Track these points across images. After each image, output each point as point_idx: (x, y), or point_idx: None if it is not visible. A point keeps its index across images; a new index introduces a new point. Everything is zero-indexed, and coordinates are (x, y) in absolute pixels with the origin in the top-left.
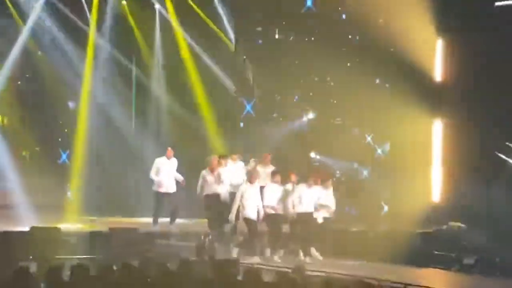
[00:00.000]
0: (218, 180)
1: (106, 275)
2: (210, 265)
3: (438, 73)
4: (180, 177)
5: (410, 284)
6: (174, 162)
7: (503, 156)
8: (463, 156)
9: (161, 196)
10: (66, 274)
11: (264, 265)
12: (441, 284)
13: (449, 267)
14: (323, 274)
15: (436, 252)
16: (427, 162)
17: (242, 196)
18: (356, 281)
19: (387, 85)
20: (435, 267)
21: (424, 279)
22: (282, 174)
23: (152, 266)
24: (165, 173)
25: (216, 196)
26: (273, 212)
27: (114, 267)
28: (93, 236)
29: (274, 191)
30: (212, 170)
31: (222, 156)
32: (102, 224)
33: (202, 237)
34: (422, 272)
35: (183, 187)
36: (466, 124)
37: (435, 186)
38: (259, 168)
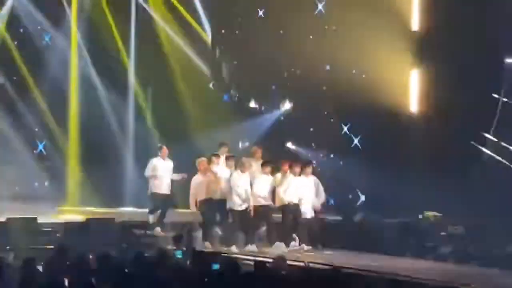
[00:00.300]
0: (215, 180)
1: (83, 265)
2: (188, 255)
3: (415, 23)
4: (177, 177)
5: (386, 273)
6: (169, 163)
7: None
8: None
9: (157, 197)
10: (43, 263)
11: (244, 255)
12: (416, 272)
13: (425, 256)
14: (302, 264)
15: (411, 242)
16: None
17: (234, 185)
18: (334, 270)
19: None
20: (411, 256)
21: (400, 268)
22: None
23: (130, 255)
24: (161, 174)
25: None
26: (264, 203)
27: (91, 256)
28: (70, 226)
29: (264, 182)
30: (204, 172)
31: (214, 155)
32: (81, 214)
33: (181, 227)
34: (398, 261)
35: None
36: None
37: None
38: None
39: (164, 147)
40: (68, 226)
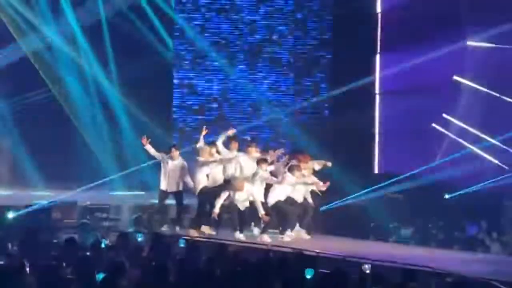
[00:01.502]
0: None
1: (47, 249)
2: (148, 237)
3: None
4: (189, 182)
5: (349, 256)
6: (178, 163)
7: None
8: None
9: (163, 194)
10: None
11: (208, 238)
12: (379, 255)
13: (387, 239)
14: (264, 247)
15: (373, 224)
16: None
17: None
18: (296, 253)
19: None
20: (374, 239)
21: (363, 251)
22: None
23: (91, 238)
24: (167, 172)
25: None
26: None
27: (55, 241)
28: (33, 210)
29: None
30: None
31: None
32: (44, 197)
33: (143, 210)
34: (360, 244)
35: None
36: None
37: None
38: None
39: (173, 148)
40: (31, 210)
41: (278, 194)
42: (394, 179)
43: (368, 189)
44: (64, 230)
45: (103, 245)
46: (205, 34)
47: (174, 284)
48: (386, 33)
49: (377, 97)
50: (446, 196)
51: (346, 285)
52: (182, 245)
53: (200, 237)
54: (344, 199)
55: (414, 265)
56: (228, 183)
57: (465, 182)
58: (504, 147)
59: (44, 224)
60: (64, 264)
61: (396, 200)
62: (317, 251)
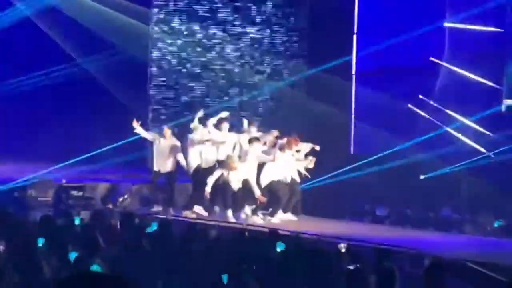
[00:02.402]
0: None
1: (21, 226)
2: (118, 215)
3: None
4: (181, 161)
5: (323, 235)
6: (171, 142)
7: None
8: None
9: (156, 175)
10: None
11: (194, 219)
12: (354, 235)
13: (362, 219)
14: (237, 226)
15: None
16: None
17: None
18: (269, 232)
19: None
20: (349, 219)
21: (338, 230)
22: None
23: (66, 217)
24: (159, 152)
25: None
26: None
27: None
28: (7, 188)
29: None
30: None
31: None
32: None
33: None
34: (336, 224)
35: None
36: None
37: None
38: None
39: (165, 127)
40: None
41: (271, 174)
42: (370, 160)
43: (344, 169)
44: (39, 208)
45: (77, 223)
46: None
47: (149, 262)
48: (363, 13)
49: (353, 78)
50: (422, 177)
51: (324, 263)
52: (154, 227)
53: (191, 218)
54: (320, 179)
55: (389, 245)
56: (221, 163)
57: (440, 163)
58: (479, 128)
59: (18, 202)
60: (38, 242)
61: (372, 180)
62: (292, 230)
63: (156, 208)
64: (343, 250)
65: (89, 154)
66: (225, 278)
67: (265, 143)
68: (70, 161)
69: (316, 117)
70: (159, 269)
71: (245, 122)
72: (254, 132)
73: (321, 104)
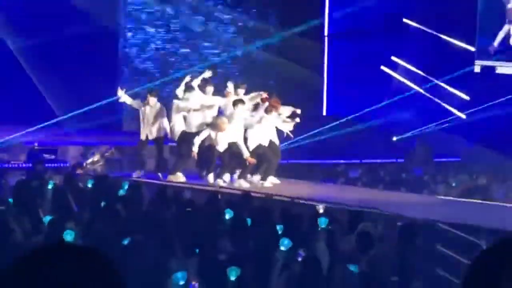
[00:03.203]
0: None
1: None
2: (92, 178)
3: None
4: (166, 126)
5: (297, 198)
6: (156, 108)
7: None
8: None
9: (142, 144)
10: None
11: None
12: (325, 196)
13: (335, 180)
14: (212, 189)
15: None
16: None
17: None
18: (243, 194)
19: None
20: (322, 181)
21: (310, 192)
22: None
23: (39, 180)
24: (145, 119)
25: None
26: None
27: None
28: None
29: None
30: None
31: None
32: None
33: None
34: (310, 186)
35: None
36: None
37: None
38: None
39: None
40: None
41: (259, 137)
42: (342, 121)
43: (317, 131)
44: (11, 172)
45: (49, 187)
46: None
47: (123, 225)
48: None
49: (326, 40)
50: (394, 138)
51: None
52: (125, 188)
53: (172, 182)
54: (293, 141)
55: (362, 207)
56: (209, 124)
57: (412, 124)
58: (452, 89)
59: None
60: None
61: (345, 142)
62: (265, 193)
63: (136, 174)
64: (321, 211)
65: (61, 118)
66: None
67: (255, 106)
68: (42, 125)
69: (289, 79)
70: (132, 232)
71: (230, 84)
72: (242, 94)
73: (294, 66)
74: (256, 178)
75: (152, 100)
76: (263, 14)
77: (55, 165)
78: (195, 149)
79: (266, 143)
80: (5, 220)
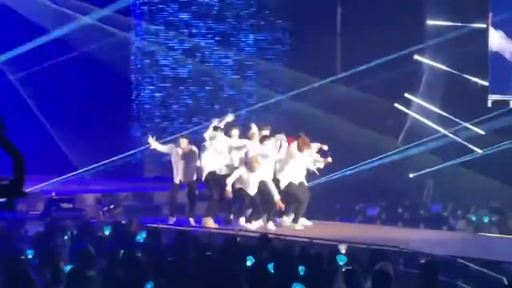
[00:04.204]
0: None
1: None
2: (111, 226)
3: None
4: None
5: (317, 238)
6: (189, 151)
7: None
8: None
9: (176, 187)
10: None
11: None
12: (344, 235)
13: (353, 219)
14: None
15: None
16: None
17: None
18: (262, 238)
19: None
20: (340, 220)
21: (328, 232)
22: None
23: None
24: (178, 163)
25: None
26: None
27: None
28: None
29: None
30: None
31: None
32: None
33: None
34: (326, 226)
35: None
36: None
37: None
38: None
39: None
40: None
41: (291, 176)
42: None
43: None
44: (29, 221)
45: (68, 236)
46: None
47: (143, 273)
48: (345, 15)
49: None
50: (411, 175)
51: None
52: (143, 236)
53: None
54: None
55: (382, 245)
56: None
57: (429, 161)
58: (468, 125)
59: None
60: (30, 257)
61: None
62: (285, 234)
63: (171, 221)
64: (343, 251)
65: (81, 170)
66: None
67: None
68: (62, 177)
69: (302, 118)
70: (153, 277)
71: (254, 126)
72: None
73: (309, 107)
74: (288, 219)
75: (184, 142)
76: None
77: (73, 213)
78: (229, 188)
79: (297, 183)
80: (25, 271)
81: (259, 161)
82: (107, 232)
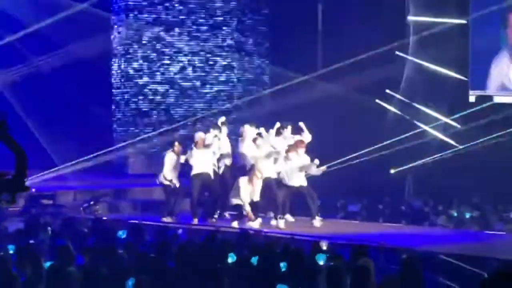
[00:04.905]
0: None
1: None
2: (92, 221)
3: None
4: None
5: (296, 234)
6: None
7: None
8: None
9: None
10: None
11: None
12: (325, 231)
13: (335, 215)
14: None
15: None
16: None
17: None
18: (242, 234)
19: None
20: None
21: (311, 228)
22: None
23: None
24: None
25: None
26: None
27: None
28: None
29: None
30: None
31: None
32: None
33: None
34: (308, 222)
35: None
36: None
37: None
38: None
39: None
40: None
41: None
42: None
43: None
44: (9, 218)
45: (48, 232)
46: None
47: (123, 269)
48: (326, 10)
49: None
50: (392, 171)
51: (303, 263)
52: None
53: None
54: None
55: (364, 241)
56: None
57: (410, 156)
58: (449, 121)
59: None
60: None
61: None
62: (265, 230)
63: (166, 219)
64: (325, 248)
65: (62, 167)
66: None
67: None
68: (43, 173)
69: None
70: (135, 274)
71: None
72: (288, 135)
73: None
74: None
75: (201, 141)
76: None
77: (53, 209)
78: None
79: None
80: (6, 267)
81: (262, 170)
82: (87, 229)
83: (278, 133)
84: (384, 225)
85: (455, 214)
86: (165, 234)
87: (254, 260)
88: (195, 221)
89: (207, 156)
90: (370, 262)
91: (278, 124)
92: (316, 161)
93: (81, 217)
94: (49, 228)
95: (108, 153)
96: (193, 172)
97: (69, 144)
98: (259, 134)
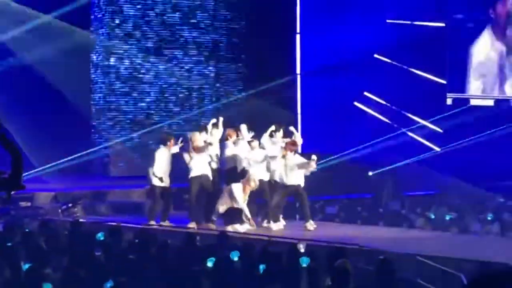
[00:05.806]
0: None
1: None
2: (69, 224)
3: None
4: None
5: (274, 236)
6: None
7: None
8: None
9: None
10: None
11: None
12: (303, 233)
13: (313, 217)
14: (191, 231)
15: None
16: None
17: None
18: (221, 236)
19: None
20: (299, 218)
21: (287, 231)
22: None
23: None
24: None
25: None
26: None
27: None
28: None
29: None
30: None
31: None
32: None
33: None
34: (287, 224)
35: None
36: None
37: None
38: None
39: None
40: None
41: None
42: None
43: None
44: None
45: (25, 234)
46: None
47: (102, 270)
48: (305, 12)
49: (298, 77)
50: (370, 173)
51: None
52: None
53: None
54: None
55: (342, 243)
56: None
57: (388, 158)
58: (426, 123)
59: None
60: None
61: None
62: (242, 232)
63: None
64: (302, 250)
65: (40, 169)
66: None
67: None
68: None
69: (262, 118)
70: (113, 276)
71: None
72: (279, 139)
73: (267, 105)
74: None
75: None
76: (230, 55)
77: (31, 211)
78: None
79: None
80: None
81: (256, 180)
82: (66, 231)
83: (271, 135)
84: (362, 227)
85: (433, 216)
86: (144, 236)
87: (234, 255)
88: (193, 224)
89: (206, 158)
90: (348, 263)
91: (273, 127)
92: (314, 157)
93: (59, 220)
94: (27, 230)
95: (88, 154)
96: (193, 174)
97: (48, 146)
98: (253, 137)
